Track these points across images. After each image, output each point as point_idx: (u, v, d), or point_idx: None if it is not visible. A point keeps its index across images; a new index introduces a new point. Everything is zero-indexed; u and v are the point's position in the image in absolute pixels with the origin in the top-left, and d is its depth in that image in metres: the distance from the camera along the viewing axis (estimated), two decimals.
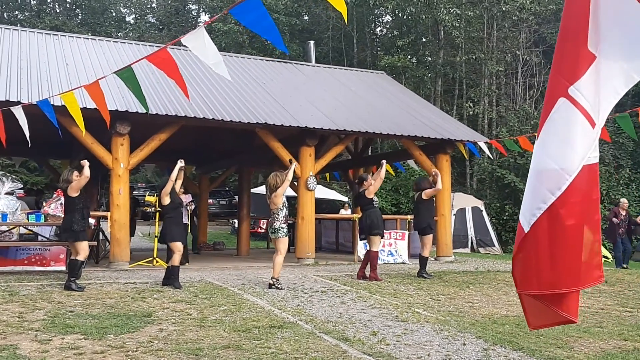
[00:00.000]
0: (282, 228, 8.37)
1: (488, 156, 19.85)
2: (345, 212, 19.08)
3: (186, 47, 6.24)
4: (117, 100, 10.51)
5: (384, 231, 10.55)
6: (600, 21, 2.43)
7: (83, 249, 7.97)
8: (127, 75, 6.94)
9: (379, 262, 12.50)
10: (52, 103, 8.55)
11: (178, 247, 8.33)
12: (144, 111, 8.31)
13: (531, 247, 2.47)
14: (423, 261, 10.14)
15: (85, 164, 7.90)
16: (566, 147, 2.42)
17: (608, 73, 2.43)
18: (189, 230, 12.81)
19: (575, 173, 2.39)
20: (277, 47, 5.71)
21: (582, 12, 2.45)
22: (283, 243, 8.46)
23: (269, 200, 8.50)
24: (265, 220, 20.93)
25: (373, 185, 9.79)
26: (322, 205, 20.63)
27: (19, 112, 8.27)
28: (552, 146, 2.45)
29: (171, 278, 8.24)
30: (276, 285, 8.30)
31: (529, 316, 2.59)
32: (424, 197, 10.15)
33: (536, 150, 2.52)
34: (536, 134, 2.58)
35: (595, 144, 2.44)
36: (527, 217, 2.48)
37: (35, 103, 8.57)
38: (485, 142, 14.20)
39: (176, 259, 8.30)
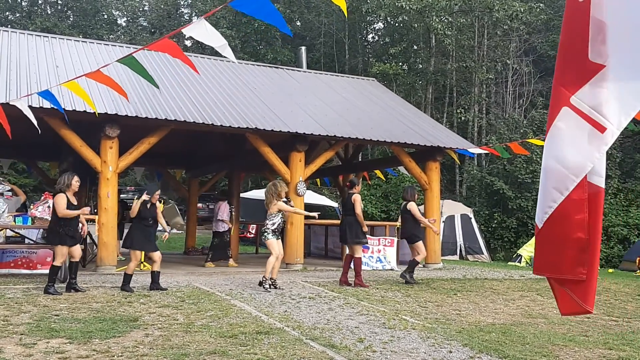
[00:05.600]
0: (266, 231, 8.79)
1: (478, 162, 20.01)
2: None
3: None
4: (106, 103, 10.48)
5: (367, 237, 10.67)
6: (609, 33, 2.59)
7: (62, 254, 7.91)
8: (130, 60, 7.03)
9: (368, 268, 12.57)
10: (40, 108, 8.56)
11: (137, 255, 8.43)
12: (154, 86, 8.34)
13: (544, 241, 2.73)
14: (411, 264, 10.18)
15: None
16: (570, 150, 2.62)
17: (622, 78, 2.59)
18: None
19: (582, 175, 2.60)
20: (281, 29, 5.87)
21: (581, 27, 2.63)
22: (270, 245, 8.83)
23: (267, 206, 9.02)
24: (254, 225, 20.89)
25: (359, 201, 9.81)
26: (312, 211, 20.63)
27: (20, 103, 8.36)
28: (557, 149, 2.67)
29: (123, 283, 8.33)
30: (264, 284, 8.65)
31: (559, 303, 2.82)
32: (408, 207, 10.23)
33: (544, 152, 2.75)
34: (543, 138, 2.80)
35: (604, 151, 2.61)
36: (540, 216, 2.73)
37: (32, 106, 8.54)
38: (477, 149, 14.31)
39: (131, 267, 8.39)
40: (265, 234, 8.79)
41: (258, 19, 6.77)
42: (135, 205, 8.34)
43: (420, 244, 10.23)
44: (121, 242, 13.97)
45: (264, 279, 8.70)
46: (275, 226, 8.78)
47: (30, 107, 9.17)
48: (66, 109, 9.83)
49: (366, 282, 9.80)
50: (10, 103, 8.48)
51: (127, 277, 8.34)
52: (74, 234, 8.03)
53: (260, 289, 8.61)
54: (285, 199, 9.05)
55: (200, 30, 6.18)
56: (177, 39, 27.29)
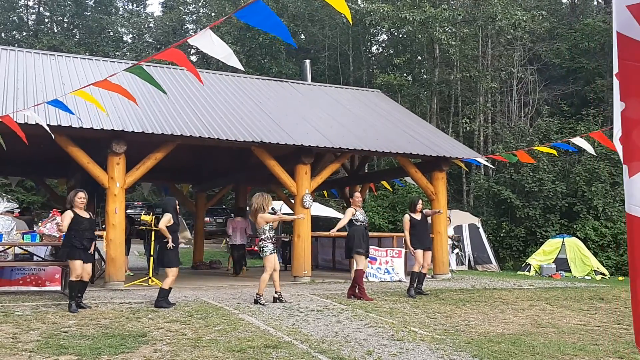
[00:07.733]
0: (266, 247, 8.64)
1: (484, 172, 19.98)
2: None
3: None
4: (113, 120, 10.55)
5: (375, 248, 10.55)
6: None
7: (72, 268, 7.94)
8: (137, 69, 7.12)
9: (376, 280, 12.53)
10: (48, 123, 8.63)
11: (173, 271, 8.39)
12: (162, 92, 8.38)
13: None
14: (418, 277, 10.05)
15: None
16: None
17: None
18: None
19: None
20: (285, 41, 5.93)
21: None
22: (267, 261, 8.69)
23: (252, 218, 8.81)
24: None
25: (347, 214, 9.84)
26: (319, 223, 20.59)
27: (30, 113, 8.46)
28: None
29: (159, 299, 8.30)
30: (260, 301, 8.56)
31: None
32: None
33: None
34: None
35: None
36: None
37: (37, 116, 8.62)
38: (483, 158, 14.29)
39: (167, 282, 8.35)
40: (265, 249, 8.62)
41: (262, 31, 6.87)
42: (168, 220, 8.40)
43: (415, 252, 9.98)
44: (129, 257, 14.08)
45: (258, 297, 8.61)
46: (271, 240, 8.71)
47: (36, 124, 9.27)
48: (73, 126, 9.94)
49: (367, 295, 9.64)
50: (19, 115, 8.57)
51: (164, 293, 8.32)
52: (82, 247, 8.00)
53: (262, 305, 8.52)
54: (271, 211, 8.81)
55: (206, 40, 6.24)
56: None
